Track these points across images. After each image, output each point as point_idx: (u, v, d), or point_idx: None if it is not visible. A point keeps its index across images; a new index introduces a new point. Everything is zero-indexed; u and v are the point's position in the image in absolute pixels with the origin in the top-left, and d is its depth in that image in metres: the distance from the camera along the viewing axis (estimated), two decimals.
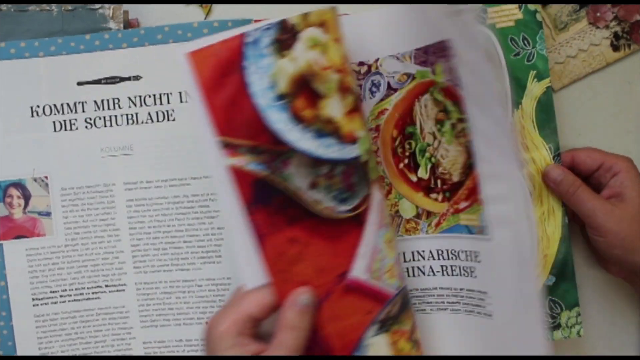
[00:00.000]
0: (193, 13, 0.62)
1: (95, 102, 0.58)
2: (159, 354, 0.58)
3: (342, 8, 0.59)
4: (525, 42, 0.58)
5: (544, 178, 0.58)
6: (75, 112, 0.58)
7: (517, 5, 0.58)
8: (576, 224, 0.60)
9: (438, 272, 0.56)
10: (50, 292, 0.58)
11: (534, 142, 0.59)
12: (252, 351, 0.45)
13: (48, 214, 0.58)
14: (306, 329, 0.47)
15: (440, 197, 0.56)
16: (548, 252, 0.59)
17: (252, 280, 0.47)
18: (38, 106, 0.58)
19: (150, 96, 0.58)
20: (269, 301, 0.47)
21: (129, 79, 0.58)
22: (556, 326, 0.59)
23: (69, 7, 0.58)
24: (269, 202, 0.47)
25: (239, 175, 0.46)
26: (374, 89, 0.57)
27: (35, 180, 0.58)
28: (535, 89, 0.58)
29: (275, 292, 0.47)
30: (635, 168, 0.57)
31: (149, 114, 0.58)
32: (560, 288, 0.59)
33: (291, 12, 0.53)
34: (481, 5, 0.57)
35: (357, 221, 0.48)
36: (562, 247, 0.59)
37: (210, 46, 0.45)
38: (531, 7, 0.58)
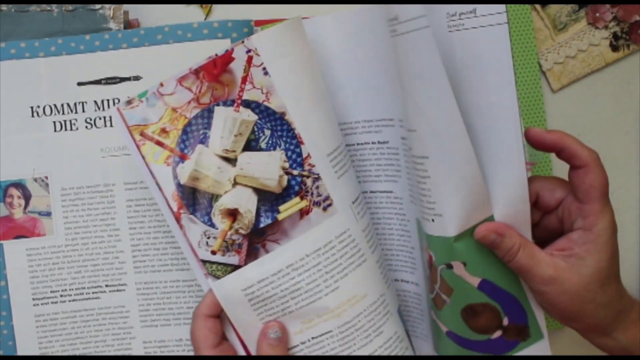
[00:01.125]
0: (193, 13, 0.62)
1: (95, 102, 0.58)
2: (159, 354, 0.58)
3: (340, 8, 0.60)
4: None
5: (480, 240, 0.48)
6: (76, 112, 0.58)
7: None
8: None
9: None
10: (51, 292, 0.58)
11: None
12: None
13: (48, 214, 0.58)
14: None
15: None
16: None
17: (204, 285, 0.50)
18: (38, 106, 0.58)
19: None
20: (212, 325, 0.49)
21: (129, 79, 0.58)
22: None
23: (70, 7, 0.58)
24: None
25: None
26: None
27: (35, 180, 0.58)
28: None
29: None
30: (612, 221, 0.47)
31: None
32: None
33: (291, 12, 0.53)
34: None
35: None
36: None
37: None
38: None
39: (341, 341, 0.49)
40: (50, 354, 0.58)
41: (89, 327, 0.58)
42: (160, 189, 0.48)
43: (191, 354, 0.58)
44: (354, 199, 0.50)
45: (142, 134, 0.48)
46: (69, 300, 0.58)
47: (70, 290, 0.58)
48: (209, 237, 0.49)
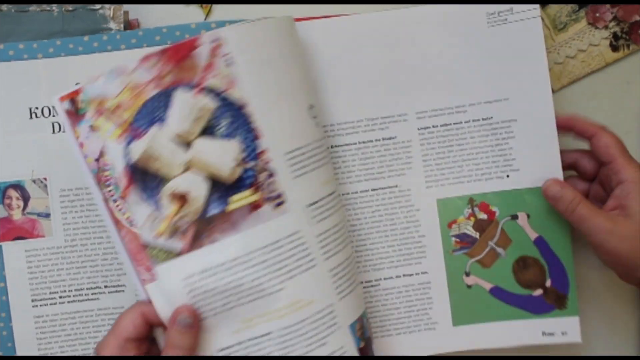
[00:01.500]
0: (193, 13, 0.62)
1: None
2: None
3: (340, 8, 0.60)
4: None
5: (543, 193, 0.56)
6: None
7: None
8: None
9: None
10: (50, 293, 0.58)
11: None
12: None
13: (47, 215, 0.58)
14: (190, 346, 0.48)
15: None
16: None
17: (140, 295, 0.50)
18: (37, 107, 0.58)
19: None
20: (138, 320, 0.49)
21: None
22: None
23: (70, 7, 0.58)
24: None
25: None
26: None
27: (34, 181, 0.58)
28: None
29: (146, 309, 0.49)
30: (622, 144, 0.55)
31: None
32: None
33: (291, 12, 0.53)
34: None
35: None
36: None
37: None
38: None
39: (280, 345, 0.48)
40: (49, 354, 0.58)
41: (88, 328, 0.58)
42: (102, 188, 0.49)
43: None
44: (311, 202, 0.50)
45: (99, 106, 0.48)
46: (68, 302, 0.58)
47: (69, 291, 0.58)
48: (154, 220, 0.48)
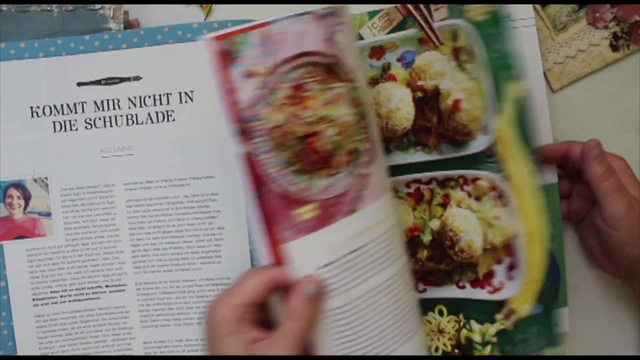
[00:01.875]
0: (193, 13, 0.62)
1: (95, 102, 0.58)
2: (159, 354, 0.58)
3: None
4: (499, 39, 0.57)
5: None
6: (75, 112, 0.58)
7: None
8: (571, 223, 0.60)
9: None
10: (51, 292, 0.58)
11: (513, 152, 0.57)
12: (250, 339, 0.46)
13: (48, 215, 0.58)
14: (311, 318, 0.47)
15: None
16: (533, 278, 0.57)
17: (264, 259, 0.49)
18: (38, 107, 0.58)
19: (150, 97, 0.58)
20: (266, 285, 0.47)
21: (128, 79, 0.58)
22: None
23: (70, 7, 0.58)
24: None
25: (251, 162, 0.47)
26: None
27: (35, 180, 0.58)
28: (513, 90, 0.57)
29: (276, 273, 0.47)
30: (630, 168, 0.57)
31: (149, 114, 0.58)
32: (547, 320, 0.58)
33: (290, 12, 0.53)
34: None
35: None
36: (549, 277, 0.57)
37: (235, 30, 0.45)
38: None
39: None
40: (50, 354, 0.58)
41: (88, 327, 0.58)
42: None
43: (191, 354, 0.58)
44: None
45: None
46: (69, 301, 0.58)
47: (70, 290, 0.58)
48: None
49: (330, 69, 0.48)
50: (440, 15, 0.58)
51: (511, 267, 0.58)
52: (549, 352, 0.58)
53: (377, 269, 0.50)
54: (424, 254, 0.59)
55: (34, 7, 0.58)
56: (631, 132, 0.63)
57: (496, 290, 0.58)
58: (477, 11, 0.57)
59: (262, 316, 0.48)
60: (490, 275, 0.59)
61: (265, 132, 0.47)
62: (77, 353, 0.58)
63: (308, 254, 0.48)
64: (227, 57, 0.46)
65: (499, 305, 0.58)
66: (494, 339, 0.58)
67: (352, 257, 0.49)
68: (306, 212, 0.48)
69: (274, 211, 0.47)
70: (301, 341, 0.46)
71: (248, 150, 0.47)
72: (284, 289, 0.48)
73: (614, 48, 0.61)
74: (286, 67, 0.47)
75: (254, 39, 0.46)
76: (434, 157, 0.59)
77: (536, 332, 0.58)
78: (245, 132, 0.47)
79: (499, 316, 0.58)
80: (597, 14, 0.61)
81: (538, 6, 0.60)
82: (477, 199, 0.58)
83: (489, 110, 0.57)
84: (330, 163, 0.48)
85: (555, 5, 0.61)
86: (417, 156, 0.59)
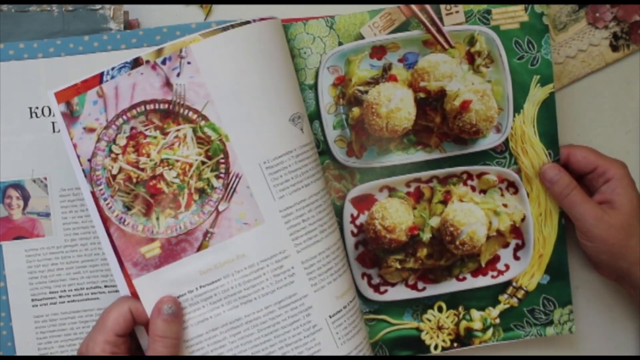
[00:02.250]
0: (193, 13, 0.62)
1: None
2: None
3: (340, 8, 0.60)
4: (530, 45, 0.58)
5: (541, 176, 0.58)
6: None
7: (523, 7, 0.57)
8: (573, 225, 0.60)
9: None
10: (50, 292, 0.58)
11: (534, 147, 0.59)
12: None
13: (47, 215, 0.58)
14: (175, 337, 0.50)
15: None
16: (544, 252, 0.60)
17: (122, 290, 0.52)
18: (37, 107, 0.58)
19: None
20: (126, 316, 0.50)
21: None
22: (549, 323, 0.60)
23: (70, 7, 0.58)
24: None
25: (98, 202, 0.51)
26: None
27: (34, 181, 0.58)
28: (538, 94, 0.58)
29: (134, 305, 0.51)
30: (629, 175, 0.57)
31: None
32: (554, 287, 0.60)
33: (291, 13, 0.53)
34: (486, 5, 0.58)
35: None
36: (557, 247, 0.60)
37: (73, 86, 0.51)
38: (537, 9, 0.58)
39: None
40: (49, 354, 0.58)
41: (87, 327, 0.58)
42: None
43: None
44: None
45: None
46: (68, 301, 0.58)
47: (69, 291, 0.58)
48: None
49: (167, 113, 0.51)
50: (453, 20, 0.58)
51: (517, 248, 0.60)
52: (557, 313, 0.60)
53: (237, 303, 0.51)
54: (423, 252, 0.59)
55: (34, 7, 0.58)
56: (631, 132, 0.63)
57: (500, 273, 0.60)
58: (508, 20, 0.58)
59: (135, 344, 0.52)
60: (494, 260, 0.60)
61: (106, 180, 0.51)
62: (76, 353, 0.58)
63: (154, 289, 0.51)
64: (69, 116, 0.51)
65: (503, 286, 0.60)
66: (497, 320, 0.60)
67: (204, 290, 0.51)
68: (151, 250, 0.51)
69: (121, 249, 0.51)
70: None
71: (96, 195, 0.51)
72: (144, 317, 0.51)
73: (614, 48, 0.61)
74: (121, 120, 0.51)
75: (90, 97, 0.51)
76: (434, 156, 0.59)
77: (543, 299, 0.60)
78: (90, 178, 0.51)
79: (502, 297, 0.60)
80: (597, 14, 0.61)
81: (545, 7, 0.60)
82: (483, 192, 0.60)
83: (505, 110, 0.58)
84: (172, 203, 0.51)
85: (555, 5, 0.61)
86: (417, 155, 0.59)
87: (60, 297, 0.58)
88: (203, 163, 0.51)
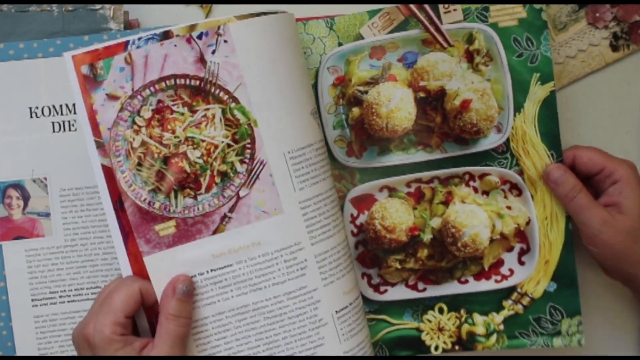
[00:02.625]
0: (193, 13, 0.62)
1: None
2: None
3: (340, 8, 0.60)
4: (529, 42, 0.57)
5: (545, 177, 0.57)
6: (74, 113, 0.58)
7: (522, 4, 0.57)
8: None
9: None
10: (50, 292, 0.58)
11: (536, 148, 0.58)
12: (138, 348, 0.48)
13: (47, 215, 0.58)
14: (188, 315, 0.49)
15: None
16: (550, 257, 0.58)
17: (124, 269, 0.51)
18: (37, 107, 0.58)
19: None
20: (137, 298, 0.49)
21: None
22: (556, 333, 0.59)
23: (70, 7, 0.58)
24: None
25: (109, 175, 0.50)
26: None
27: (34, 181, 0.58)
28: (538, 92, 0.58)
29: (144, 286, 0.50)
30: (637, 177, 0.56)
31: None
32: (562, 295, 0.59)
33: (290, 12, 0.53)
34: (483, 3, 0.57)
35: None
36: (564, 253, 0.58)
37: (94, 50, 0.49)
38: (537, 5, 0.57)
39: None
40: (49, 354, 0.58)
41: None
42: None
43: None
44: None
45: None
46: (68, 301, 0.58)
47: (69, 291, 0.58)
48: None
49: (198, 91, 0.49)
50: (451, 18, 0.58)
51: (522, 253, 0.59)
52: (565, 323, 0.58)
53: (246, 289, 0.51)
54: (424, 253, 0.59)
55: (34, 7, 0.58)
56: (631, 132, 0.63)
57: (504, 277, 0.59)
58: (505, 17, 0.57)
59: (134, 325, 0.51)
60: (498, 264, 0.59)
61: (125, 152, 0.50)
62: (76, 353, 0.58)
63: (165, 269, 0.50)
64: (92, 81, 0.49)
65: (507, 292, 0.59)
66: (501, 327, 0.59)
67: (215, 274, 0.51)
68: (166, 229, 0.51)
69: (134, 224, 0.50)
70: (181, 340, 0.49)
71: (109, 165, 0.50)
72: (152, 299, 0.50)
73: (614, 48, 0.61)
74: (147, 91, 0.49)
75: (117, 63, 0.49)
76: (435, 156, 0.59)
77: (550, 308, 0.59)
78: (106, 148, 0.50)
79: (507, 303, 0.59)
80: (597, 14, 0.61)
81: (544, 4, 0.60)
82: (485, 193, 0.59)
83: (506, 109, 0.58)
84: (193, 184, 0.50)
85: (555, 5, 0.61)
86: (418, 156, 0.59)
87: (60, 297, 0.58)
88: (229, 146, 0.50)
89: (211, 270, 0.51)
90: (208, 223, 0.51)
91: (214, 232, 0.51)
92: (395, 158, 0.59)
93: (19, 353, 0.58)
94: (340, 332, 0.53)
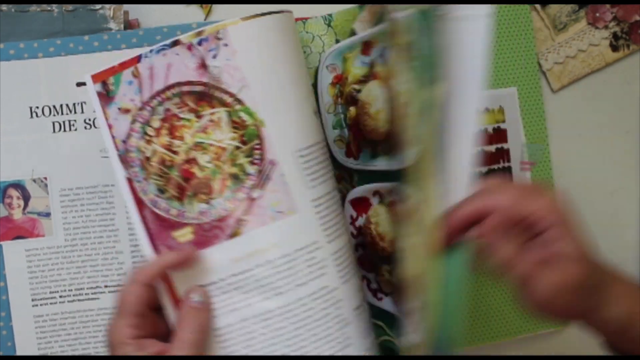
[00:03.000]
0: (193, 13, 0.62)
1: None
2: None
3: (338, 8, 0.60)
4: None
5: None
6: (75, 112, 0.58)
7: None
8: None
9: None
10: (50, 292, 0.58)
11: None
12: (154, 353, 0.47)
13: (47, 215, 0.58)
14: (203, 326, 0.48)
15: None
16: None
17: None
18: (37, 107, 0.58)
19: None
20: (142, 297, 0.48)
21: None
22: None
23: (70, 7, 0.58)
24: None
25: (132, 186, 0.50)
26: None
27: (34, 181, 0.58)
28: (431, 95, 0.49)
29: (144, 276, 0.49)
30: (567, 213, 0.45)
31: None
32: None
33: (292, 12, 0.53)
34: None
35: None
36: None
37: (110, 68, 0.50)
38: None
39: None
40: (49, 354, 0.58)
41: (88, 327, 0.58)
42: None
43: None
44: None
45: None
46: (68, 301, 0.58)
47: (69, 290, 0.58)
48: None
49: (202, 96, 0.49)
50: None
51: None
52: None
53: (269, 294, 0.50)
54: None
55: (34, 7, 0.58)
56: (631, 132, 0.63)
57: None
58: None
59: (158, 321, 0.50)
60: None
61: (140, 162, 0.50)
62: (77, 353, 0.58)
63: (187, 275, 0.49)
64: (105, 97, 0.50)
65: None
66: None
67: (236, 279, 0.50)
68: (183, 235, 0.50)
69: (155, 233, 0.50)
70: (197, 348, 0.48)
71: (129, 176, 0.50)
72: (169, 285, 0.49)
73: (614, 48, 0.61)
74: (155, 101, 0.49)
75: (126, 77, 0.49)
76: None
77: None
78: (124, 160, 0.50)
79: None
80: (597, 14, 0.61)
81: (538, 6, 0.60)
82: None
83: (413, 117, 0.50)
84: (205, 188, 0.50)
85: (555, 5, 0.61)
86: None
87: (60, 297, 0.58)
88: (237, 148, 0.50)
89: (232, 276, 0.50)
90: (224, 227, 0.50)
91: (231, 237, 0.50)
92: (383, 163, 0.56)
93: (19, 353, 0.58)
94: (360, 331, 0.52)
